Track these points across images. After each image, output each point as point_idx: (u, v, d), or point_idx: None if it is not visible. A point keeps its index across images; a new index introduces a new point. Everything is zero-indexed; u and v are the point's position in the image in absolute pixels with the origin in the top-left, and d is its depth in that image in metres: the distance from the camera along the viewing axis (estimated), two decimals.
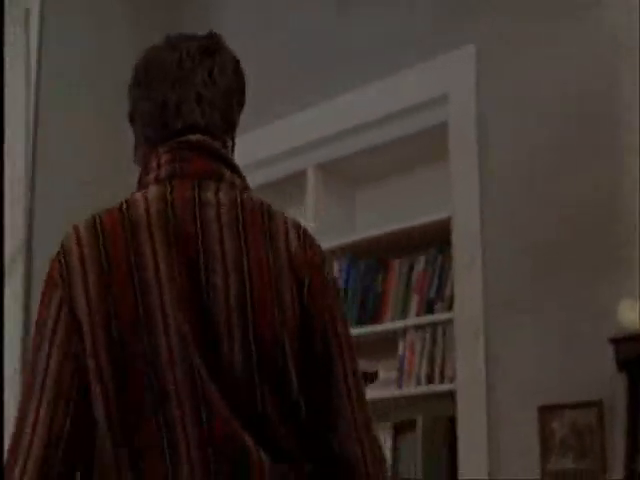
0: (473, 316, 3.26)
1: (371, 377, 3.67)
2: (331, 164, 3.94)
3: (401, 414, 3.58)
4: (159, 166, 1.58)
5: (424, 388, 3.47)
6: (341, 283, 3.80)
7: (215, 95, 1.63)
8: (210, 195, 1.54)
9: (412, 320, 3.56)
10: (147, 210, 1.51)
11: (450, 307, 3.42)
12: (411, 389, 3.51)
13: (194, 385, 1.46)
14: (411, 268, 3.65)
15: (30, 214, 3.89)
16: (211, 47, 1.66)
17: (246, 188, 1.61)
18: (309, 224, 3.89)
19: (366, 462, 1.54)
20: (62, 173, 4.04)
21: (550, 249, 3.12)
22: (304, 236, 1.59)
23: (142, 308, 1.47)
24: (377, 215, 3.93)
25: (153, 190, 1.54)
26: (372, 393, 3.57)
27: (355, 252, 3.83)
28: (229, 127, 1.67)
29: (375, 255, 3.77)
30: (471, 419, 3.20)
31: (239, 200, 1.55)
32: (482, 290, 3.25)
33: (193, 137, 1.59)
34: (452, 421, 3.34)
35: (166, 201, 1.52)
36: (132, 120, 1.69)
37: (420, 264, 3.62)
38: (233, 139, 1.70)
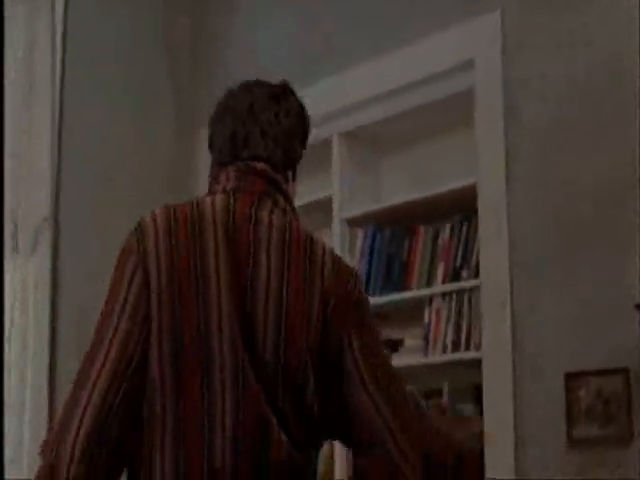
0: (499, 283, 3.25)
1: (395, 345, 3.68)
2: (356, 132, 3.93)
3: (427, 382, 3.58)
4: (227, 179, 1.85)
5: (450, 356, 3.47)
6: (366, 251, 3.81)
7: (278, 133, 1.88)
8: (265, 214, 1.78)
9: (438, 288, 3.56)
10: (214, 217, 1.75)
11: (476, 274, 3.42)
12: (437, 357, 3.51)
13: (237, 360, 1.67)
14: (437, 235, 3.64)
15: (56, 189, 3.90)
16: (280, 94, 1.93)
17: (296, 218, 1.84)
18: (334, 192, 3.90)
19: (407, 458, 1.71)
20: (88, 152, 4.05)
21: (576, 216, 3.10)
22: (339, 262, 1.80)
23: (202, 297, 1.69)
24: (402, 182, 3.92)
25: (219, 199, 1.79)
26: (398, 361, 3.59)
27: (380, 220, 3.82)
28: (290, 163, 1.92)
29: (401, 223, 3.76)
30: (497, 387, 3.20)
31: (288, 225, 1.78)
32: (508, 257, 3.24)
33: (258, 165, 1.85)
34: (478, 389, 3.34)
35: (229, 213, 1.76)
36: (210, 147, 1.95)
37: (446, 231, 3.61)
38: (294, 172, 1.94)
